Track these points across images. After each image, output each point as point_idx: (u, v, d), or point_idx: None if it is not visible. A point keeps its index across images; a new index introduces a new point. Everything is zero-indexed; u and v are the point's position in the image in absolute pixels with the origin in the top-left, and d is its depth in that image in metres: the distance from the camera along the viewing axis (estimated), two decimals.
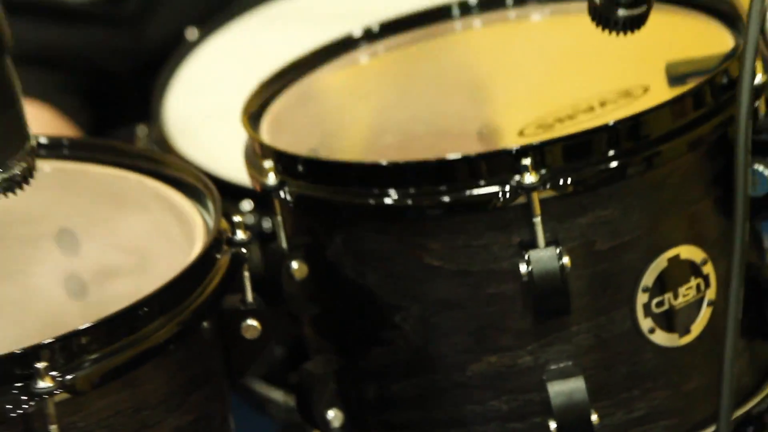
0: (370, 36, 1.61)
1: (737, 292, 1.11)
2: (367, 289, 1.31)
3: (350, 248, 1.32)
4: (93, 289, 1.39)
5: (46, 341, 1.04)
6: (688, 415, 1.33)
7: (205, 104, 1.87)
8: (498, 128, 1.50)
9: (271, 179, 1.32)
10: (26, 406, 1.05)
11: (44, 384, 1.02)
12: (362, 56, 1.61)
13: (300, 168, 1.32)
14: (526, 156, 1.20)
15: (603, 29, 1.25)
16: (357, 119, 1.56)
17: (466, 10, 1.60)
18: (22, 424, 1.08)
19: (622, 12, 1.22)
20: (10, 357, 1.07)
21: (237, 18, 1.99)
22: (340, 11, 2.04)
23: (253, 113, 1.49)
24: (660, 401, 1.31)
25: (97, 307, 1.30)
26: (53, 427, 1.07)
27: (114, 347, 1.07)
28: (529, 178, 1.19)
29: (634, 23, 1.24)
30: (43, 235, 1.41)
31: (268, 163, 1.34)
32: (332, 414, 1.35)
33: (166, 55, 2.11)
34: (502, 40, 1.64)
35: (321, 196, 1.31)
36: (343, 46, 1.60)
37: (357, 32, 1.61)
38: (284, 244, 1.34)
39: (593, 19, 1.25)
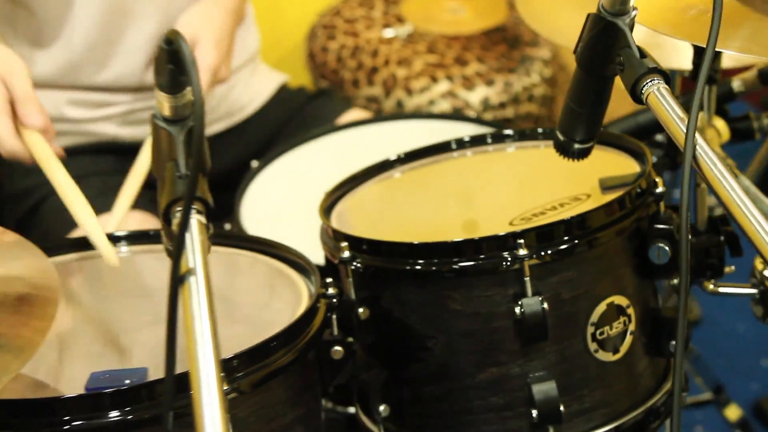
0: (400, 160, 1.88)
1: (683, 317, 1.30)
2: (408, 325, 1.60)
3: (397, 298, 1.60)
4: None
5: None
6: (617, 406, 1.62)
7: (271, 210, 2.04)
8: (487, 221, 1.70)
9: (345, 254, 1.59)
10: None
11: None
12: (396, 173, 1.87)
13: (364, 246, 1.59)
14: (521, 237, 1.51)
15: (563, 157, 1.55)
16: (395, 214, 1.80)
17: (460, 144, 1.89)
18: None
19: (577, 146, 1.53)
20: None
21: (285, 153, 2.18)
22: (357, 147, 2.22)
23: (326, 210, 1.75)
24: (599, 397, 1.60)
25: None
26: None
27: (258, 365, 1.37)
28: (522, 251, 1.50)
29: (583, 154, 1.54)
30: None
31: (343, 243, 1.60)
32: (382, 408, 1.62)
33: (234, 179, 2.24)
34: (486, 163, 1.90)
35: (377, 264, 1.60)
36: (383, 166, 1.87)
37: (392, 157, 1.88)
38: (353, 296, 1.61)
39: (557, 150, 1.56)
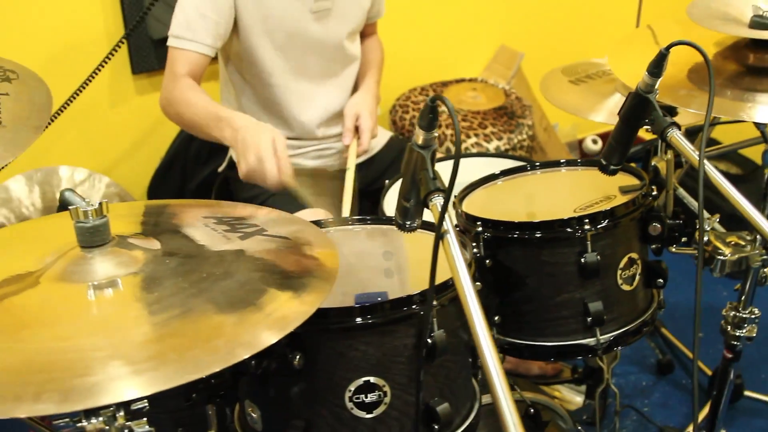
0: (501, 174, 1.82)
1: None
2: (514, 269, 1.59)
3: (509, 254, 1.58)
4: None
5: None
6: (628, 317, 1.63)
7: None
8: (555, 211, 1.59)
9: (479, 228, 1.57)
10: None
11: None
12: (499, 182, 1.82)
13: (489, 224, 1.57)
14: (587, 218, 1.52)
15: (603, 173, 1.58)
16: (501, 205, 1.73)
17: (533, 166, 1.85)
18: None
19: (612, 167, 1.57)
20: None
21: None
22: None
23: (459, 201, 1.72)
24: (621, 312, 1.61)
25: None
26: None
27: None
28: (587, 226, 1.51)
29: (615, 172, 1.57)
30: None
31: (477, 222, 1.58)
32: (497, 318, 1.61)
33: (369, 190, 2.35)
34: (548, 179, 1.85)
35: (497, 234, 1.57)
36: (491, 177, 1.82)
37: (496, 173, 1.82)
38: (482, 253, 1.57)
39: (600, 169, 1.58)
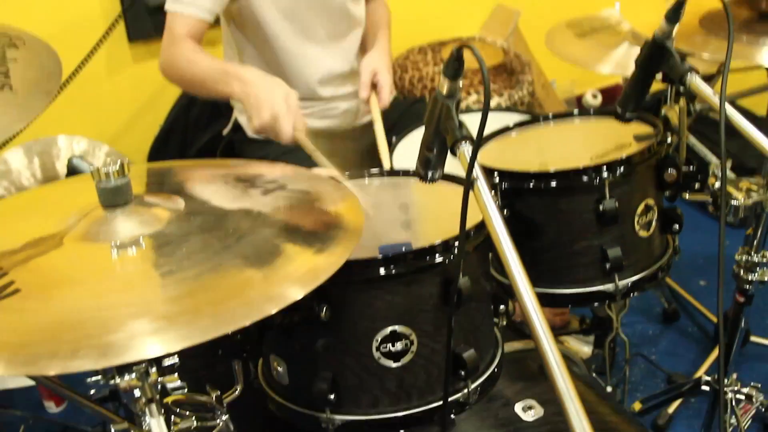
0: (511, 128, 1.82)
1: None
2: (532, 218, 1.57)
3: (526, 203, 1.57)
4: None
5: None
6: (645, 263, 1.63)
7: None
8: (572, 158, 1.60)
9: (496, 179, 1.55)
10: None
11: None
12: (513, 134, 1.82)
13: (506, 175, 1.55)
14: (604, 165, 1.50)
15: (618, 120, 1.60)
16: (517, 156, 1.72)
17: (546, 118, 1.84)
18: None
19: (628, 114, 1.58)
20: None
21: (410, 132, 2.12)
22: None
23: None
24: (638, 257, 1.62)
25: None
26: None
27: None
28: (605, 173, 1.50)
29: (630, 119, 1.59)
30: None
31: (495, 173, 1.55)
32: None
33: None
34: (562, 130, 1.83)
35: (514, 185, 1.55)
36: (505, 130, 1.82)
37: (511, 125, 1.82)
38: (499, 203, 1.51)
39: (615, 116, 1.59)
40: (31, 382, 2.60)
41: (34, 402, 2.63)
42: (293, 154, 2.12)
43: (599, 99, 3.86)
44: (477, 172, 1.11)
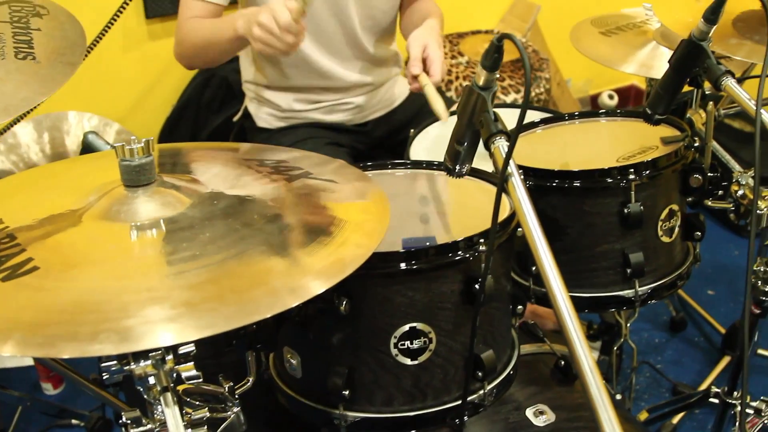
0: (536, 124, 1.80)
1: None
2: (555, 218, 1.54)
3: (549, 203, 1.54)
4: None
5: None
6: (666, 269, 1.61)
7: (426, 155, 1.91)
8: (597, 160, 1.60)
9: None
10: None
11: None
12: (538, 130, 1.79)
13: (530, 172, 1.53)
14: (632, 167, 1.48)
15: (648, 122, 1.57)
16: (542, 154, 1.70)
17: (571, 116, 1.81)
18: None
19: (657, 117, 1.54)
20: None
21: (429, 125, 2.05)
22: None
23: None
24: (659, 263, 1.59)
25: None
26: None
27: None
28: (632, 176, 1.48)
29: (659, 122, 1.57)
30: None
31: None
32: (534, 268, 1.55)
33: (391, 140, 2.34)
34: (588, 128, 1.81)
35: (537, 183, 1.53)
36: (529, 126, 1.79)
37: (536, 120, 1.80)
38: None
39: (644, 119, 1.56)
40: (30, 362, 2.58)
41: (31, 382, 2.62)
42: (304, 143, 2.12)
43: (615, 99, 3.85)
44: (512, 167, 1.08)
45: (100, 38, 2.39)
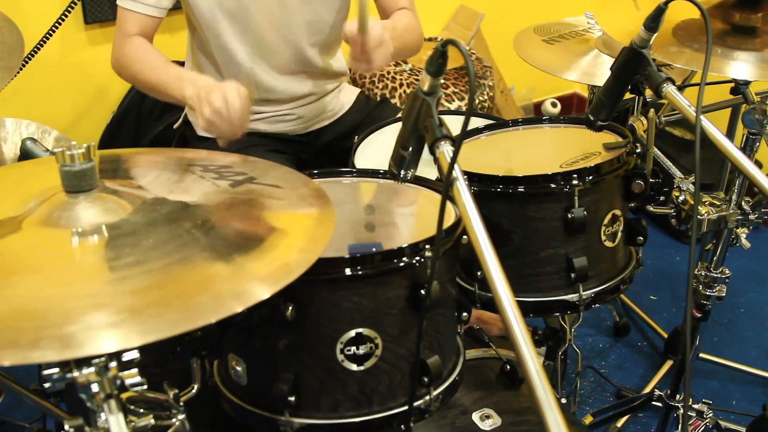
0: (481, 130, 1.81)
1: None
2: (500, 224, 1.54)
3: (494, 208, 1.54)
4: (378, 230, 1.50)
5: None
6: (608, 274, 1.62)
7: (372, 162, 1.90)
8: (541, 166, 1.59)
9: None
10: None
11: None
12: (482, 136, 1.79)
13: (474, 178, 1.52)
14: (575, 173, 1.49)
15: (589, 129, 1.63)
16: (486, 159, 1.71)
17: (515, 123, 1.82)
18: None
19: (599, 123, 1.60)
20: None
21: (372, 133, 2.06)
22: None
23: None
24: (602, 268, 1.61)
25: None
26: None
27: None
28: (575, 181, 1.48)
29: (601, 128, 1.63)
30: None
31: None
32: (479, 273, 1.51)
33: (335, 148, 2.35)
34: (530, 135, 1.82)
35: (482, 188, 1.53)
36: (475, 131, 1.79)
37: (480, 126, 1.81)
38: None
39: (586, 125, 1.62)
40: None
41: None
42: (245, 152, 2.11)
43: (558, 107, 3.90)
44: (457, 172, 1.10)
45: (42, 45, 2.36)
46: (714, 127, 1.34)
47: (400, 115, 2.31)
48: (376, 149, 2.02)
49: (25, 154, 1.75)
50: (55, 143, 2.67)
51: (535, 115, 3.94)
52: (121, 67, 2.05)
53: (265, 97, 2.22)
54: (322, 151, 2.37)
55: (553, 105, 3.88)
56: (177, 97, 1.88)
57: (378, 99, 2.78)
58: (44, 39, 2.39)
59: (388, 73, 3.05)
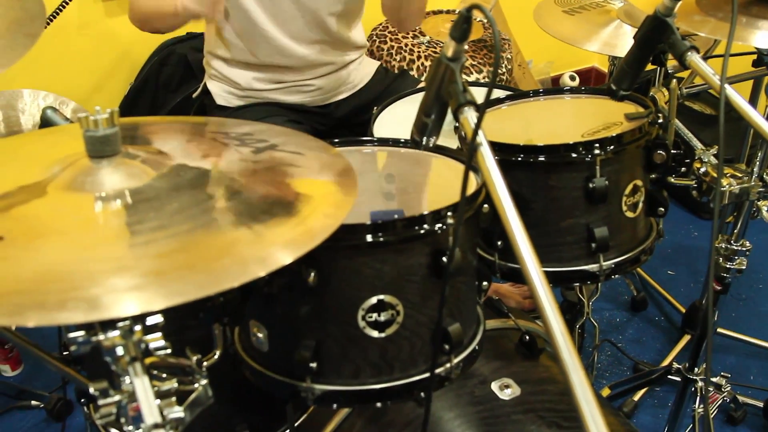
0: (502, 100, 1.80)
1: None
2: (521, 193, 1.52)
3: (514, 178, 1.43)
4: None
5: None
6: (630, 244, 1.61)
7: (391, 132, 1.92)
8: (563, 135, 1.60)
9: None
10: None
11: None
12: (503, 106, 1.79)
13: (496, 147, 1.34)
14: (597, 142, 1.47)
15: (611, 98, 1.61)
16: (509, 129, 1.70)
17: (536, 93, 1.81)
18: None
19: (621, 92, 1.58)
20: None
21: (391, 104, 2.08)
22: None
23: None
24: (623, 238, 1.60)
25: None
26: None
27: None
28: (597, 150, 1.46)
29: (624, 98, 1.61)
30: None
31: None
32: (499, 243, 1.58)
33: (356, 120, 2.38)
34: (552, 105, 1.81)
35: (502, 157, 1.50)
36: (495, 101, 1.79)
37: (502, 96, 1.80)
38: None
39: (608, 94, 1.60)
40: None
41: None
42: (263, 121, 2.12)
43: (577, 81, 3.88)
44: (482, 137, 1.09)
45: (59, 12, 2.36)
46: (738, 95, 1.32)
47: (419, 86, 2.33)
48: (395, 120, 2.02)
49: (46, 123, 1.75)
50: (72, 115, 2.68)
51: None
52: (132, 11, 2.07)
53: (284, 64, 2.21)
54: (340, 123, 2.37)
55: (572, 78, 3.86)
56: (171, 11, 1.91)
57: (396, 71, 2.75)
58: (60, 8, 2.38)
59: (406, 45, 3.03)
